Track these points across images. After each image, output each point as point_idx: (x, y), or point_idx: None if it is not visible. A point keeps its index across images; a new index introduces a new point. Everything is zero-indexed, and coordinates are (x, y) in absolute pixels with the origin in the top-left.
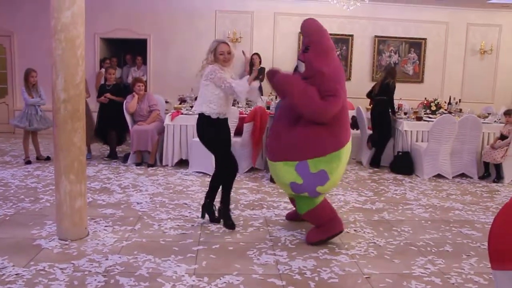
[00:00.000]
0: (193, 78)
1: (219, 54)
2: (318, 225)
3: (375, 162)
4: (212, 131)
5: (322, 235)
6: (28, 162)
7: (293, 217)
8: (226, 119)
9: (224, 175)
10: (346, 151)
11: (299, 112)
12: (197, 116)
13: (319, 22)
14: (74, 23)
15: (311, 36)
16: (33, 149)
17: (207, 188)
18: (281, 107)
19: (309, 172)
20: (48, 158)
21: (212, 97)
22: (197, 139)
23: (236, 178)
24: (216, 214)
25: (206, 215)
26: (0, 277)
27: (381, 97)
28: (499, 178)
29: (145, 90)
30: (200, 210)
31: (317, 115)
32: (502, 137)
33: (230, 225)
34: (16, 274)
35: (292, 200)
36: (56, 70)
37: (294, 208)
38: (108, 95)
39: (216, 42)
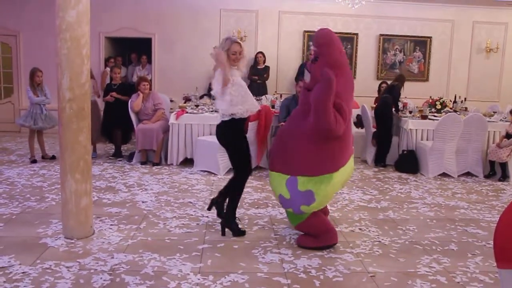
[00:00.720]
0: (198, 77)
1: (232, 53)
2: (312, 235)
3: (380, 161)
4: (241, 134)
5: (314, 243)
6: (34, 161)
7: None
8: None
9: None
10: (340, 174)
11: (316, 128)
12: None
13: (333, 33)
14: (79, 22)
15: (322, 47)
16: (38, 148)
17: (212, 186)
18: (291, 116)
19: (296, 189)
20: (53, 157)
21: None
22: (203, 137)
23: None
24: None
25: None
26: (7, 275)
27: (386, 95)
28: (504, 177)
29: (150, 89)
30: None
31: (324, 127)
32: (508, 135)
33: (237, 231)
34: (22, 273)
35: None
36: (62, 69)
37: None
38: (114, 94)
39: (230, 41)
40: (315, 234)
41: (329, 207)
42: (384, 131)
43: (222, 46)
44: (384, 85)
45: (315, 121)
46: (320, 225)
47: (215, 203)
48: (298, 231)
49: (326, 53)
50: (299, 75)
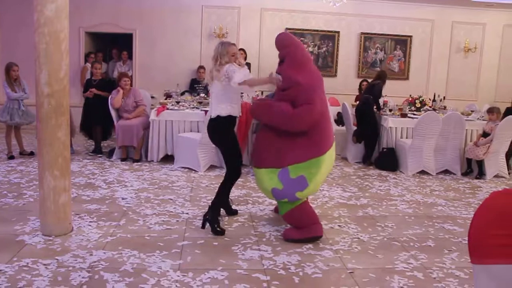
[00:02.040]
0: (179, 73)
1: (231, 55)
2: (297, 227)
3: (367, 160)
4: (232, 131)
5: (299, 234)
6: (11, 157)
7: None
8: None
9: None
10: (327, 158)
11: (279, 128)
12: (215, 118)
13: (292, 35)
14: (58, 16)
15: (285, 49)
16: (16, 144)
17: (193, 183)
18: None
19: (289, 177)
20: (31, 153)
21: (234, 96)
22: (183, 134)
23: (221, 174)
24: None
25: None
26: None
27: (367, 95)
28: (481, 174)
29: (131, 85)
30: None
31: (293, 124)
32: (485, 134)
33: (218, 231)
34: None
35: None
36: (40, 64)
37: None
38: (94, 90)
39: (227, 45)
40: (301, 225)
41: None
42: (368, 131)
43: (219, 52)
44: (365, 83)
45: (285, 125)
46: (308, 215)
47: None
48: (285, 221)
49: (289, 54)
50: None
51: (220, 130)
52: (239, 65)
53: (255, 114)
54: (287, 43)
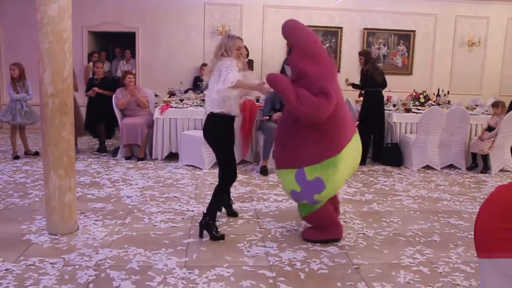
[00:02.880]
0: (183, 72)
1: (236, 49)
2: (318, 228)
3: (377, 157)
4: (230, 131)
5: (319, 236)
6: (17, 157)
7: None
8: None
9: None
10: (345, 156)
11: (297, 115)
12: (210, 116)
13: (300, 23)
14: (61, 16)
15: (291, 38)
16: (21, 144)
17: (197, 181)
18: (284, 110)
19: (306, 179)
20: (36, 153)
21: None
22: (187, 132)
23: None
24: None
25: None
26: None
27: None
28: (486, 169)
29: (134, 84)
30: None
31: (314, 113)
32: (490, 128)
33: (217, 236)
34: (6, 270)
35: None
36: (43, 64)
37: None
38: (96, 89)
39: (233, 38)
40: (321, 227)
41: None
42: (376, 127)
43: (224, 44)
44: None
45: (304, 113)
46: (327, 218)
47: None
48: (305, 222)
49: (297, 43)
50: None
51: (215, 129)
52: (241, 63)
53: (278, 85)
54: (291, 33)
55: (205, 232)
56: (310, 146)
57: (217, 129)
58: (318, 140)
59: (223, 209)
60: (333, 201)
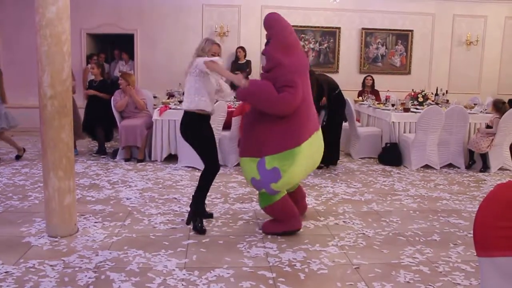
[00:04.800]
0: (181, 73)
1: (211, 55)
2: (278, 220)
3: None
4: (207, 127)
5: (278, 228)
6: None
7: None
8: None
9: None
10: (305, 149)
11: (262, 109)
12: (186, 113)
13: (281, 16)
14: (59, 18)
15: (271, 29)
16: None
17: (197, 182)
18: None
19: (265, 168)
20: (17, 157)
21: (204, 90)
22: None
23: (225, 172)
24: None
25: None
26: None
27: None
28: (485, 168)
29: (129, 85)
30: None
31: (278, 107)
32: (489, 127)
33: (200, 228)
34: (5, 272)
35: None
36: (42, 66)
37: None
38: (90, 91)
39: (210, 42)
40: (280, 219)
41: (313, 201)
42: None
43: (201, 47)
44: (369, 78)
45: (268, 107)
46: (286, 210)
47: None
48: (266, 213)
49: (276, 34)
50: None
51: (192, 126)
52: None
53: (241, 94)
54: (273, 24)
55: (208, 233)
56: (273, 136)
57: (192, 126)
58: (281, 131)
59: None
60: (297, 194)
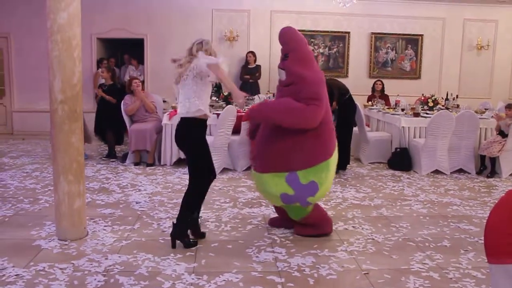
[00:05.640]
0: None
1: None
2: (312, 226)
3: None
4: (204, 133)
5: (310, 231)
6: None
7: (276, 224)
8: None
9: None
10: (334, 160)
11: (287, 126)
12: (184, 119)
13: (296, 30)
14: (70, 24)
15: (289, 44)
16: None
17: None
18: None
19: (299, 183)
20: None
21: (203, 93)
22: None
23: (234, 176)
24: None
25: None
26: (0, 278)
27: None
28: (493, 173)
29: (142, 89)
30: None
31: (305, 121)
32: (501, 132)
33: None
34: (16, 275)
35: (277, 208)
36: (53, 71)
37: (277, 215)
38: (99, 91)
39: (208, 43)
40: (315, 225)
41: (322, 206)
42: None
43: (207, 48)
44: (378, 83)
45: (296, 123)
46: (320, 216)
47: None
48: (299, 222)
49: (295, 47)
50: None
51: (192, 133)
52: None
53: (261, 114)
54: (291, 38)
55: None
56: (302, 150)
57: (193, 134)
58: (311, 144)
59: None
60: None
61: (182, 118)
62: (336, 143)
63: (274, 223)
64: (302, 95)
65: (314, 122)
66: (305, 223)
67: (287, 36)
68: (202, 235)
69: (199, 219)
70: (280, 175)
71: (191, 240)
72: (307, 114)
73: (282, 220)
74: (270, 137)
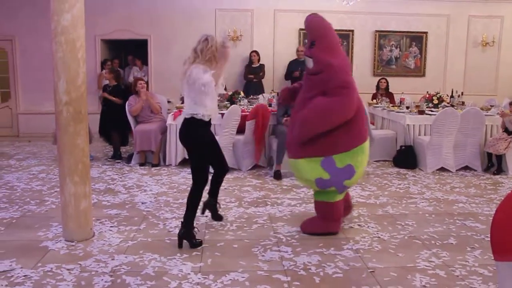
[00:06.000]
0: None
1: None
2: (320, 217)
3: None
4: (207, 133)
5: (317, 228)
6: None
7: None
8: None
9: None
10: (368, 143)
11: (328, 125)
12: (188, 119)
13: (322, 17)
14: (74, 25)
15: (316, 31)
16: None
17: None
18: (299, 100)
19: (335, 167)
20: None
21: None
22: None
23: (239, 176)
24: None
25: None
26: (9, 279)
27: None
28: (499, 170)
29: (147, 89)
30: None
31: (343, 115)
32: (506, 130)
33: (217, 216)
34: (24, 276)
35: None
36: (58, 72)
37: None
38: (104, 94)
39: (212, 40)
40: (326, 218)
41: None
42: None
43: (205, 50)
44: (383, 81)
45: (336, 119)
46: (336, 212)
47: (208, 205)
48: (314, 208)
49: (322, 34)
50: (290, 74)
51: (189, 131)
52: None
53: (304, 131)
54: (317, 26)
55: (221, 241)
56: (338, 135)
57: (189, 134)
58: (346, 129)
59: (207, 213)
60: (346, 198)
61: (184, 118)
62: (368, 127)
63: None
64: (331, 85)
65: (350, 112)
66: (319, 209)
67: (313, 23)
68: (220, 218)
69: (217, 205)
70: (316, 160)
71: (197, 241)
72: (343, 106)
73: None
74: None
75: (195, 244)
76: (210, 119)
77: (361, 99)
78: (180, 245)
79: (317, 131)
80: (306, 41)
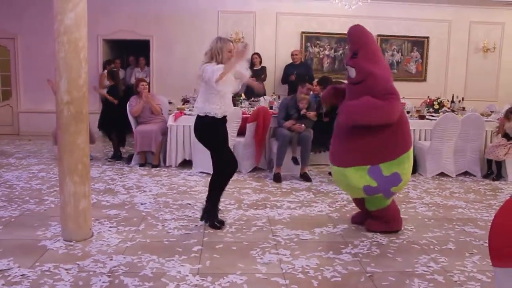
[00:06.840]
0: (196, 79)
1: (228, 51)
2: (382, 221)
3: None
4: (220, 129)
5: (381, 227)
6: None
7: (358, 221)
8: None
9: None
10: (412, 150)
11: (374, 126)
12: (199, 117)
13: (364, 27)
14: (77, 25)
15: (359, 41)
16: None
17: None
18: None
19: (382, 175)
20: None
21: (213, 96)
22: None
23: (239, 178)
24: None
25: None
26: (6, 278)
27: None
28: (499, 176)
29: (148, 91)
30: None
31: (388, 117)
32: (506, 135)
33: (214, 225)
34: (21, 275)
35: (356, 202)
36: (60, 72)
37: (358, 211)
38: (102, 91)
39: (225, 41)
40: (387, 219)
41: (327, 208)
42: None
43: (220, 47)
44: None
45: (380, 121)
46: (395, 212)
47: (205, 210)
48: (374, 215)
49: (365, 44)
50: (286, 78)
51: (205, 130)
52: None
53: (349, 120)
54: (360, 36)
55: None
56: (383, 144)
57: (205, 131)
58: (390, 138)
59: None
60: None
61: (197, 115)
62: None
63: (355, 220)
64: (376, 91)
65: (395, 116)
66: (379, 216)
67: (355, 33)
68: (222, 223)
69: (218, 211)
70: (363, 169)
71: (217, 223)
72: (389, 109)
73: (362, 215)
74: (348, 132)
75: (215, 226)
76: (225, 116)
77: (401, 106)
78: (202, 218)
79: (358, 122)
80: (348, 50)
